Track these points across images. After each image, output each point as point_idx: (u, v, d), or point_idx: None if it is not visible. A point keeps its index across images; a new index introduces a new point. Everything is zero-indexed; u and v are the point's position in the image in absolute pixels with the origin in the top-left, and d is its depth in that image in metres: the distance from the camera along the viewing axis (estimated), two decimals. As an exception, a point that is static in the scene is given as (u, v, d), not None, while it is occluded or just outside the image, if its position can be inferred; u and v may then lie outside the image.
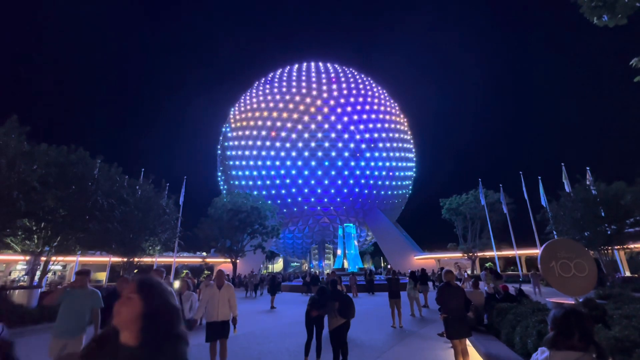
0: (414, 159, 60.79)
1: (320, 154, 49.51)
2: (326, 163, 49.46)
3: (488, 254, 37.21)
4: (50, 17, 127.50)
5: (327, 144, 49.85)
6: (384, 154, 52.69)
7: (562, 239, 9.53)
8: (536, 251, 33.51)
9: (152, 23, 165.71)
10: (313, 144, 49.71)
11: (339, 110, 52.09)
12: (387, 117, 56.10)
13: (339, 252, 48.00)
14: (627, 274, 30.38)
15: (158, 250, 22.45)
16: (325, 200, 50.30)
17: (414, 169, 60.73)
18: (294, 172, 49.58)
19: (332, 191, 49.93)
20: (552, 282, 7.18)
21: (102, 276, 36.59)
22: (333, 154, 49.78)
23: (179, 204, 32.04)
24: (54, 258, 16.23)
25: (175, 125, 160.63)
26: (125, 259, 20.53)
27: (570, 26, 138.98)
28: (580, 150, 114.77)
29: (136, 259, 21.08)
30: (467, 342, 6.42)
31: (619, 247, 23.23)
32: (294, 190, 49.94)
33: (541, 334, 4.83)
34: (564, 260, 7.23)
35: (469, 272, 33.49)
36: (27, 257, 15.25)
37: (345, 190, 50.33)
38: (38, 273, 15.84)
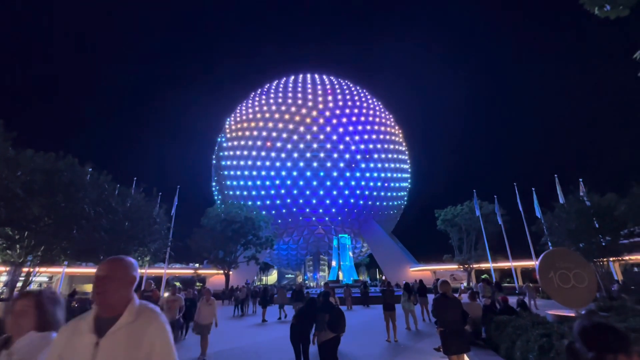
0: (409, 170, 60.99)
1: (315, 164, 49.41)
2: (321, 174, 49.31)
3: (484, 265, 36.92)
4: (42, 20, 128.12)
5: (322, 155, 49.84)
6: (379, 165, 52.77)
7: (559, 249, 9.33)
8: (532, 263, 33.33)
9: (147, 31, 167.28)
10: (308, 155, 49.65)
11: (334, 121, 52.34)
12: (382, 128, 56.49)
13: (333, 263, 47.38)
14: (623, 286, 30.21)
15: (147, 261, 21.82)
16: (320, 210, 49.91)
17: (409, 180, 60.83)
18: (289, 182, 49.31)
19: (327, 202, 49.61)
20: (551, 293, 6.94)
21: (90, 288, 35.51)
22: (328, 164, 49.70)
23: (171, 213, 31.52)
24: (37, 269, 15.61)
25: (170, 135, 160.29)
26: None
27: (563, 36, 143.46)
28: (573, 161, 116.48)
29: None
30: (465, 357, 6.11)
31: (613, 258, 23.18)
32: (288, 200, 49.55)
33: (543, 349, 4.57)
34: (563, 271, 7.01)
35: (466, 284, 33.13)
36: (8, 268, 14.64)
37: (341, 201, 50.05)
38: (20, 285, 15.20)
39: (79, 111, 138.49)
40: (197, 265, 46.67)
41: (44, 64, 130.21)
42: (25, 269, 15.03)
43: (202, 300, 8.32)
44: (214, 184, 59.67)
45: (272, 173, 49.67)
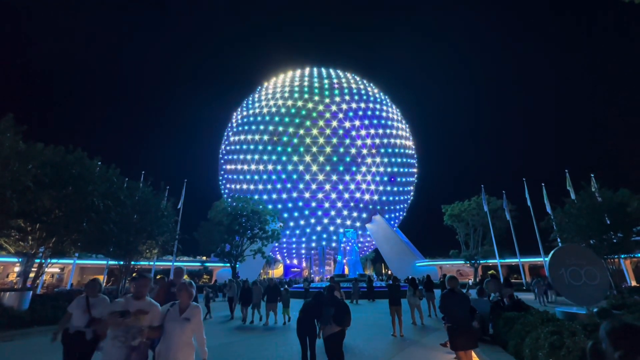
0: (416, 164, 60.54)
1: (321, 159, 49.32)
2: (327, 168, 49.22)
3: (491, 261, 36.62)
4: (53, 16, 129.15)
5: (328, 149, 49.68)
6: (386, 160, 52.48)
7: (571, 245, 9.15)
8: (540, 259, 32.93)
9: (156, 26, 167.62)
10: (314, 149, 49.56)
11: (340, 115, 52.03)
12: (389, 122, 56.01)
13: (339, 257, 47.51)
14: (634, 283, 29.83)
15: (155, 253, 22.10)
16: (327, 205, 49.94)
17: (416, 175, 60.43)
18: (295, 176, 49.37)
19: (333, 196, 49.60)
20: (561, 290, 6.83)
21: (100, 279, 36.20)
22: (335, 159, 49.56)
23: (178, 207, 31.92)
24: (49, 260, 15.94)
25: (177, 130, 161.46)
26: (122, 262, 20.17)
27: (575, 30, 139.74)
28: (584, 157, 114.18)
29: (133, 262, 20.71)
30: (472, 353, 6.05)
31: (625, 256, 22.79)
32: (295, 194, 49.66)
33: (554, 347, 4.48)
34: (574, 268, 6.87)
35: (472, 280, 32.94)
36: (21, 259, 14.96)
37: (347, 196, 50.00)
38: (32, 275, 15.54)
39: (88, 106, 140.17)
40: (204, 258, 47.19)
41: (54, 61, 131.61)
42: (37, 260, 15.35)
43: (171, 310, 3.32)
44: (220, 177, 60.11)
45: (279, 167, 49.77)
